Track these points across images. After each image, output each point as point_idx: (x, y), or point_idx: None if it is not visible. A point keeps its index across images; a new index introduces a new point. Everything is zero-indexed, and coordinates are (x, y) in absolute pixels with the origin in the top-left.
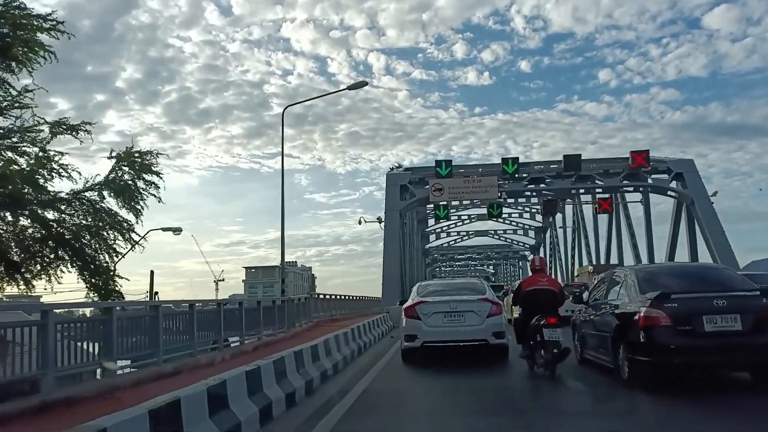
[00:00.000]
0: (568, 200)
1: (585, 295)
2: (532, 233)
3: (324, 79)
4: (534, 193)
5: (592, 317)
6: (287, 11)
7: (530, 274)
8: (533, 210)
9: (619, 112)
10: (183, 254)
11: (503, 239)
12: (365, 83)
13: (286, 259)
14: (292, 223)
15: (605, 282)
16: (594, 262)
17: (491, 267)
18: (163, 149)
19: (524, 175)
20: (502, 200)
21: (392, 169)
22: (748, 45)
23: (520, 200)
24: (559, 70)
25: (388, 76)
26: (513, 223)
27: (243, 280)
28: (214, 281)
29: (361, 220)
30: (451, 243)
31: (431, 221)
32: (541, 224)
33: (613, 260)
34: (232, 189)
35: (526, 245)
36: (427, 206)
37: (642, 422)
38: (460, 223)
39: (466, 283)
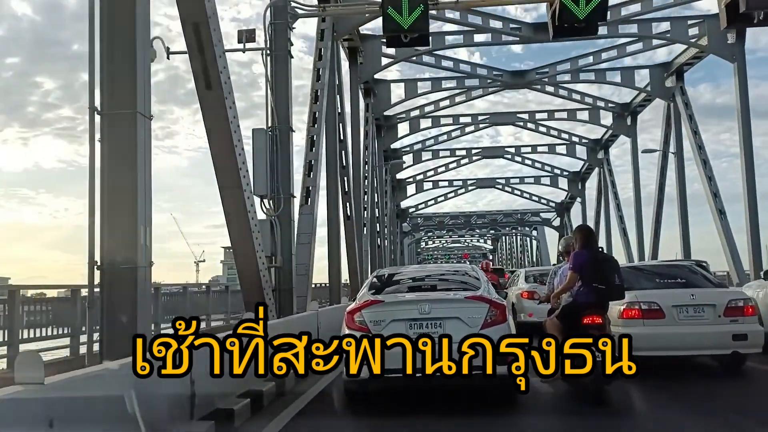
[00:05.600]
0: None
1: None
2: (563, 183)
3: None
4: None
5: None
6: None
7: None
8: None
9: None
10: (174, 235)
11: (517, 193)
12: None
13: None
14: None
15: None
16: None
17: (489, 241)
18: (152, 130)
19: None
20: None
21: None
22: None
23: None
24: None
25: (392, 95)
26: (536, 164)
27: (222, 261)
28: (195, 262)
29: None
30: (438, 199)
31: (408, 160)
32: (579, 170)
33: None
34: None
35: (551, 203)
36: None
37: None
38: (454, 164)
39: (450, 272)
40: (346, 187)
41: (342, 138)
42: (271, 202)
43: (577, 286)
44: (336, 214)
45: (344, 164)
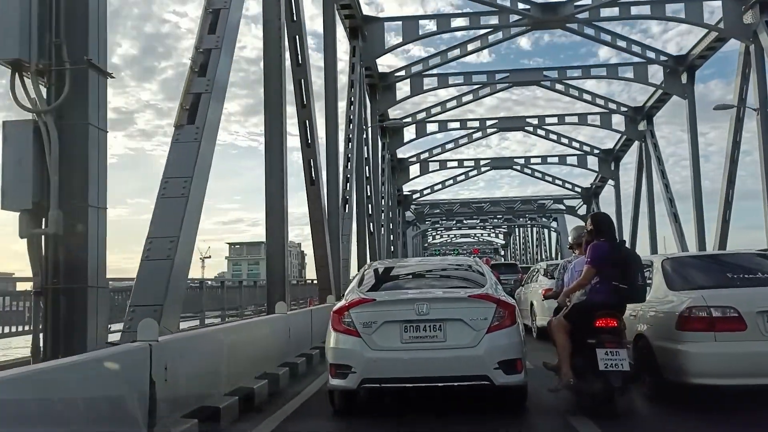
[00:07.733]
0: None
1: None
2: (593, 164)
3: (322, 56)
4: None
5: None
6: None
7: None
8: None
9: (618, 90)
10: None
11: (538, 175)
12: None
13: None
14: (291, 200)
15: None
16: None
17: (500, 235)
18: (160, 126)
19: None
20: None
21: None
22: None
23: None
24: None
25: (389, 54)
26: (562, 140)
27: (226, 257)
28: (200, 258)
29: None
30: (447, 184)
31: (409, 135)
32: (613, 148)
33: None
34: (230, 166)
35: (576, 188)
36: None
37: None
38: (465, 139)
39: (452, 266)
40: (309, 137)
41: (300, 63)
42: (44, 78)
43: (592, 282)
44: (279, 164)
45: (305, 102)
